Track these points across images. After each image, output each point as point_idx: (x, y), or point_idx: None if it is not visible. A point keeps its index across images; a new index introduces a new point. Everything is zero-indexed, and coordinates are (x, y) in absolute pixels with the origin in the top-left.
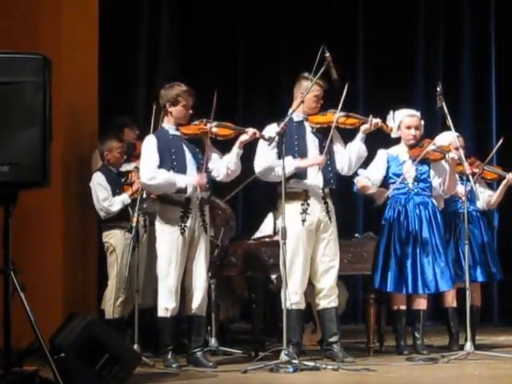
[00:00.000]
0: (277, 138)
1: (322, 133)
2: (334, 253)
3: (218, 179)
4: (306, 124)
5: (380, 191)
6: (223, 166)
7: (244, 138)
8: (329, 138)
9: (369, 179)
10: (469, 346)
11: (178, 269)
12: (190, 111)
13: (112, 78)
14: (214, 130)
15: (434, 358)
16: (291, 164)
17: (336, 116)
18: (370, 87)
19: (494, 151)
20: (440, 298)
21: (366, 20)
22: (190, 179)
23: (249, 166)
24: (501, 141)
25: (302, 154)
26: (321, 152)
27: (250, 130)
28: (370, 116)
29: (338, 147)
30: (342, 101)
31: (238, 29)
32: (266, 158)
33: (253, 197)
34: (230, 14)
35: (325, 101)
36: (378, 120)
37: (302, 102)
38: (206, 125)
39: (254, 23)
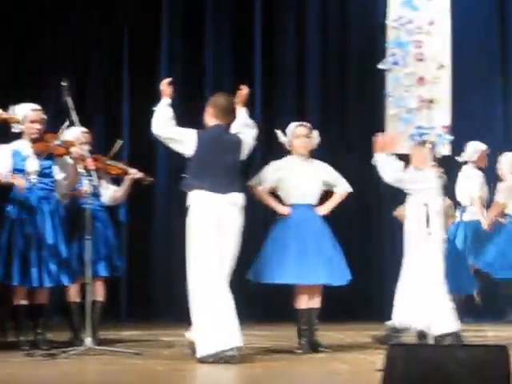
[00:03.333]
0: None
1: None
2: None
3: None
4: None
5: None
6: None
7: None
8: None
9: None
10: (89, 341)
11: None
12: None
13: None
14: None
15: (53, 353)
16: None
17: None
18: None
19: (116, 146)
20: (63, 293)
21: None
22: None
23: None
24: (119, 143)
25: None
26: None
27: None
28: None
29: None
30: None
31: None
32: None
33: None
34: None
35: None
36: None
37: None
38: None
39: None
